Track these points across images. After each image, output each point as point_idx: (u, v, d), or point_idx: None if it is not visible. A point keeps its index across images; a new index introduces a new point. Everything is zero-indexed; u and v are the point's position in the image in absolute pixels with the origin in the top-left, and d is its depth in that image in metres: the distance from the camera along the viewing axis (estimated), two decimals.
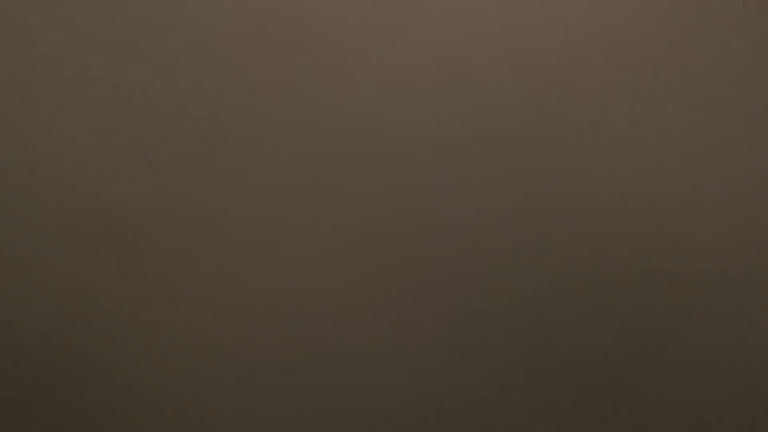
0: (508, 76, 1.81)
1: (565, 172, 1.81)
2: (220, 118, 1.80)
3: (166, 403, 1.78)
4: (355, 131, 1.80)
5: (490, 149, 1.80)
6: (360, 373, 1.79)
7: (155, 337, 1.78)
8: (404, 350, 1.80)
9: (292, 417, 1.79)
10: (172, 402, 1.78)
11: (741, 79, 1.83)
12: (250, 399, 1.79)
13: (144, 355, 1.78)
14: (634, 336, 1.80)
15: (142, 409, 1.77)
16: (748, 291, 1.81)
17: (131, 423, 1.77)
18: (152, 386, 1.78)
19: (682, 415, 1.81)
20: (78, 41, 1.79)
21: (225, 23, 1.79)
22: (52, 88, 1.79)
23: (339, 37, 1.80)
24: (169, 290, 1.78)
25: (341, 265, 1.80)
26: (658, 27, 1.83)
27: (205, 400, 1.78)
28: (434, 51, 1.81)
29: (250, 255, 1.79)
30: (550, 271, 1.80)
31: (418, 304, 1.80)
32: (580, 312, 1.80)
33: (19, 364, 1.77)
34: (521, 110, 1.81)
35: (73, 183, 1.78)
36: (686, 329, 1.81)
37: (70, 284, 1.77)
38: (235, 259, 1.79)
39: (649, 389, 1.81)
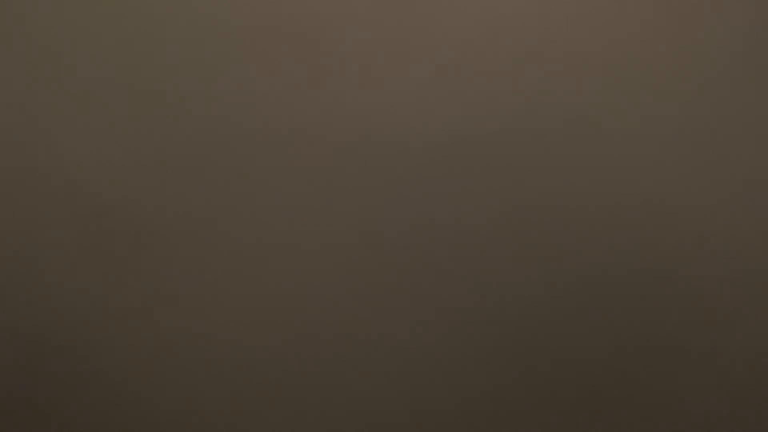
0: (508, 76, 1.81)
1: (567, 172, 1.81)
2: (223, 117, 1.80)
3: (168, 403, 1.78)
4: (357, 131, 1.80)
5: (492, 149, 1.81)
6: (357, 373, 1.79)
7: (157, 338, 1.78)
8: (407, 350, 1.80)
9: (292, 417, 1.79)
10: (174, 403, 1.78)
11: (741, 79, 1.84)
12: (251, 399, 1.79)
13: (145, 355, 1.78)
14: (632, 337, 1.81)
15: (143, 410, 1.77)
16: (749, 292, 1.81)
17: (132, 424, 1.77)
18: (154, 387, 1.78)
19: (681, 416, 1.81)
20: (78, 41, 1.79)
21: (226, 23, 1.80)
22: (51, 88, 1.79)
23: (341, 36, 1.80)
24: (171, 290, 1.78)
25: (344, 264, 1.80)
26: (659, 27, 1.83)
27: (206, 401, 1.78)
28: (435, 51, 1.81)
29: (251, 255, 1.79)
30: (553, 271, 1.80)
31: (422, 304, 1.80)
32: (580, 312, 1.81)
33: (19, 365, 1.77)
34: (522, 110, 1.81)
35: (73, 183, 1.78)
36: (685, 330, 1.81)
37: (71, 284, 1.77)
38: (237, 260, 1.79)
39: (648, 390, 1.81)
